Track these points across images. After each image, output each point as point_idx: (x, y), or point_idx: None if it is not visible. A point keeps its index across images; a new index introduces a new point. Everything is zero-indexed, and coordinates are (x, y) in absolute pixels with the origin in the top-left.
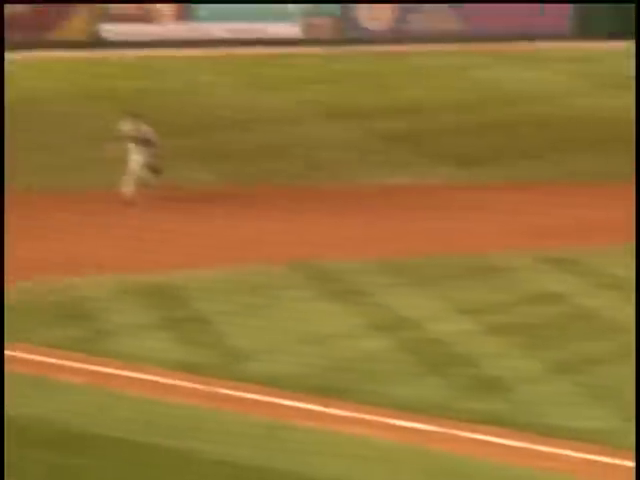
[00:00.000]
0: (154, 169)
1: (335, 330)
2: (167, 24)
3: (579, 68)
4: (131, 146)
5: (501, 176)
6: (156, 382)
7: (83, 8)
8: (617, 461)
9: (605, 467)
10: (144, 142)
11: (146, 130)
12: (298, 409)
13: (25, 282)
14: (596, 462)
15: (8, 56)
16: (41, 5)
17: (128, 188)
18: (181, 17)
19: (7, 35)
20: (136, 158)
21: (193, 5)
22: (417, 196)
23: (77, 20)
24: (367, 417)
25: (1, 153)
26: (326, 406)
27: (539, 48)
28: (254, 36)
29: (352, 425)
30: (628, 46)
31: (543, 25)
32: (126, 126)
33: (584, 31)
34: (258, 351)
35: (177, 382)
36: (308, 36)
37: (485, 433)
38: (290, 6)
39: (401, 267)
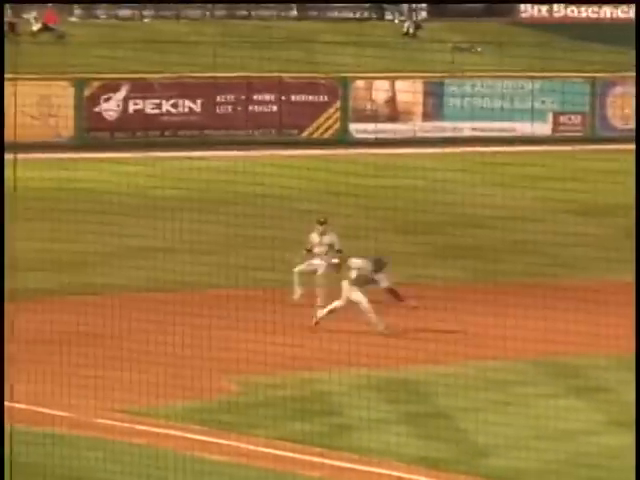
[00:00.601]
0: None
1: (575, 426)
2: (415, 123)
3: None
4: (316, 253)
5: None
6: (394, 477)
7: (333, 108)
8: None
9: None
10: (328, 250)
11: (331, 238)
12: None
13: (263, 376)
14: None
15: (253, 154)
16: (291, 104)
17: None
18: (429, 116)
19: (257, 134)
20: (317, 265)
21: (441, 104)
22: None
23: (327, 119)
24: None
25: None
26: None
27: None
28: (502, 135)
29: None
30: None
31: None
32: (314, 235)
33: None
34: (498, 447)
35: (415, 477)
36: (557, 134)
37: None
38: (538, 104)
39: None
